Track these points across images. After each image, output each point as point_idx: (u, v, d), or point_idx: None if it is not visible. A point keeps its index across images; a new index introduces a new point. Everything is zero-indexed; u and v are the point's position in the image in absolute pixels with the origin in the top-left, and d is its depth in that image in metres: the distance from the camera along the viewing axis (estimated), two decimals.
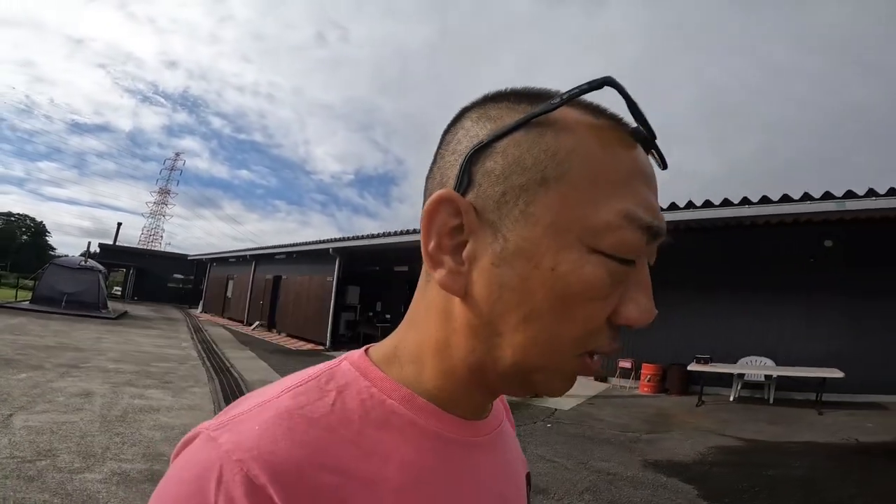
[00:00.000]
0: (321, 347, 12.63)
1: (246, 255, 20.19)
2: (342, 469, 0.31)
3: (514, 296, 0.32)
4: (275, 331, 16.09)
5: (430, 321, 0.37)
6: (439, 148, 0.38)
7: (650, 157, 0.36)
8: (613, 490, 3.65)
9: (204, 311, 23.98)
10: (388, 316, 14.55)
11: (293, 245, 16.36)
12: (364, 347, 0.41)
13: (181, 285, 30.26)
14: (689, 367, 7.51)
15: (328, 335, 12.88)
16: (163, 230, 68.86)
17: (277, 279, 17.01)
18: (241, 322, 18.62)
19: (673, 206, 7.53)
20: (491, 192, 0.33)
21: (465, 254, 0.34)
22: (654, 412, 6.68)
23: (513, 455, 0.45)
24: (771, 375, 7.12)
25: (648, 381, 8.27)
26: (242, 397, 0.36)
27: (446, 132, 0.38)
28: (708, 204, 7.31)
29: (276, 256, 17.78)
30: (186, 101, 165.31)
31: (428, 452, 0.35)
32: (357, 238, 13.02)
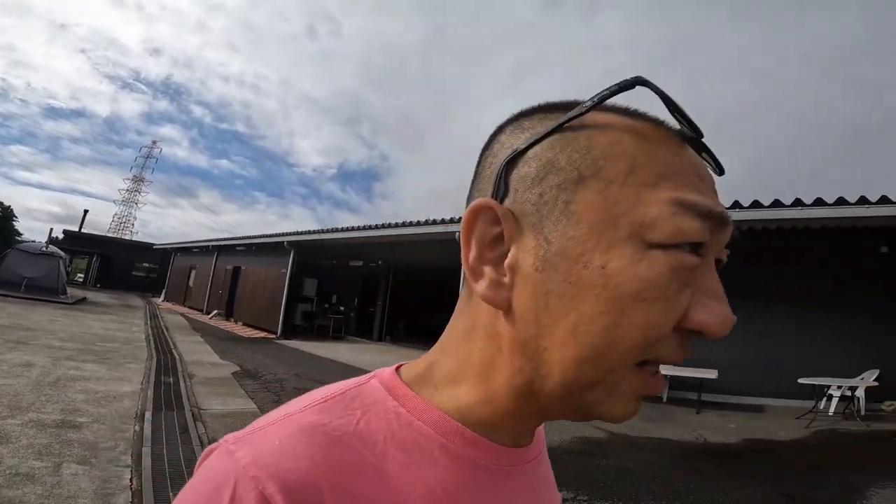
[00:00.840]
0: (272, 336, 13.20)
1: (209, 246, 20.56)
2: (362, 492, 0.29)
3: (562, 303, 0.30)
4: (232, 319, 16.57)
5: (471, 341, 0.35)
6: (477, 167, 0.37)
7: (703, 161, 0.33)
8: None
9: (166, 299, 24.19)
10: (341, 308, 15.19)
11: (253, 237, 16.93)
12: (395, 365, 0.39)
13: (146, 274, 30.29)
14: None
15: (280, 324, 13.45)
16: (135, 218, 67.95)
17: (237, 270, 17.49)
18: (201, 311, 19.00)
19: None
20: (528, 196, 0.32)
21: (507, 262, 0.32)
22: None
23: (549, 486, 0.42)
24: (665, 375, 7.93)
25: None
26: (272, 411, 0.34)
27: (483, 150, 0.37)
28: None
29: (237, 248, 18.26)
30: (168, 89, 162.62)
31: (459, 480, 0.33)
32: (310, 232, 13.63)
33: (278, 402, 5.20)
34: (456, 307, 0.38)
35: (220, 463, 0.29)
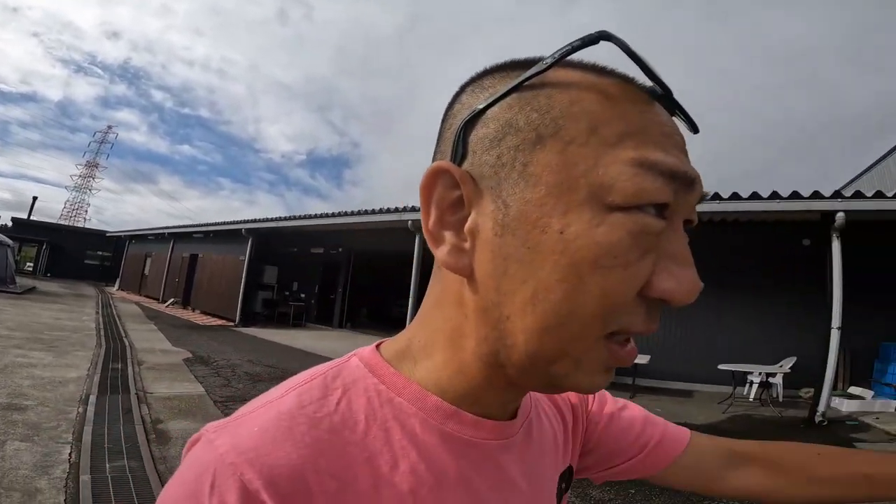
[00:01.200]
0: (231, 324, 13.23)
1: (165, 233, 20.17)
2: (345, 473, 0.29)
3: (521, 268, 0.29)
4: (189, 308, 16.44)
5: (440, 310, 0.34)
6: (440, 128, 0.36)
7: (675, 120, 0.32)
8: None
9: (120, 288, 23.64)
10: (302, 295, 15.29)
11: (210, 224, 16.73)
12: (376, 343, 0.38)
13: (100, 262, 29.41)
14: None
15: (238, 312, 13.49)
16: (88, 205, 65.10)
17: (194, 257, 17.29)
18: (157, 299, 18.73)
19: None
20: (487, 158, 0.31)
21: (467, 227, 0.31)
22: None
23: (545, 454, 0.41)
24: None
25: None
26: (255, 398, 0.33)
27: (446, 111, 0.36)
28: None
29: (195, 235, 18.01)
30: (126, 73, 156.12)
31: (441, 455, 0.32)
32: (268, 220, 13.64)
33: (227, 386, 5.44)
34: (432, 274, 0.37)
35: (200, 453, 0.29)
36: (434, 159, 0.36)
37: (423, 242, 9.40)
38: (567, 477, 0.45)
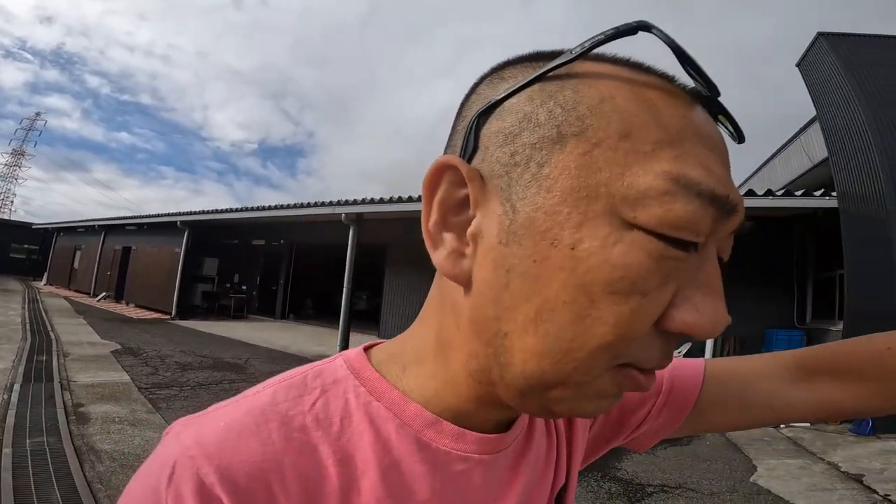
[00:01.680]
0: (167, 317, 13.16)
1: (95, 226, 19.46)
2: (311, 474, 0.29)
3: (525, 283, 0.26)
4: (123, 302, 16.08)
5: (435, 316, 0.32)
6: (454, 121, 0.33)
7: (719, 126, 0.29)
8: None
9: (49, 283, 22.59)
10: (244, 287, 15.30)
11: (144, 216, 16.44)
12: (365, 344, 0.37)
13: (27, 256, 27.83)
14: None
15: (174, 305, 13.41)
16: (14, 195, 60.59)
17: (127, 250, 16.88)
18: (88, 294, 18.12)
19: None
20: (499, 155, 0.28)
21: (469, 230, 0.28)
22: None
23: (535, 472, 0.38)
24: None
25: None
26: (235, 395, 0.32)
27: (462, 103, 0.33)
28: None
29: (127, 227, 17.54)
30: (59, 59, 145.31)
31: (416, 465, 0.31)
32: (204, 213, 13.60)
33: (154, 375, 5.84)
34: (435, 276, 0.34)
35: (167, 444, 0.29)
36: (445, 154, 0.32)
37: (358, 235, 10.01)
38: (563, 494, 0.41)
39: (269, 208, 12.08)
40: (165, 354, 7.54)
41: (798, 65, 7.80)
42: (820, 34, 7.23)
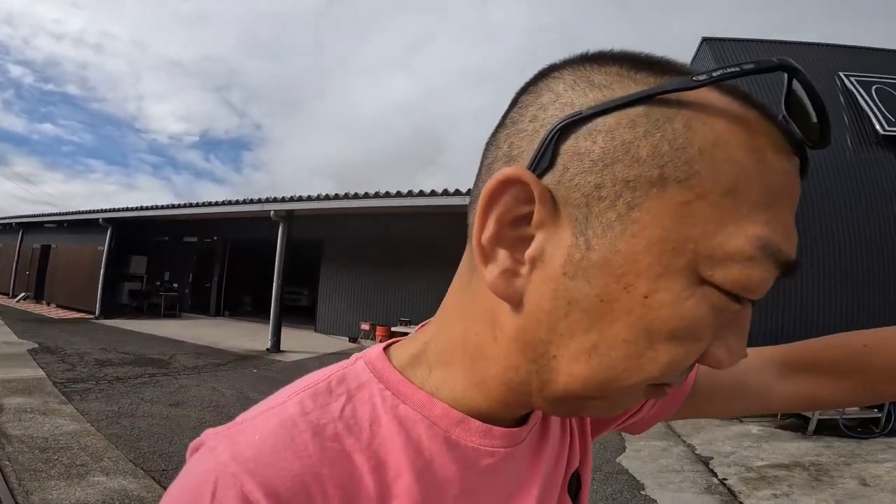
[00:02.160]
0: (90, 316, 12.85)
1: (12, 223, 18.46)
2: (348, 483, 0.29)
3: (586, 318, 0.26)
4: (43, 302, 15.45)
5: (465, 320, 0.32)
6: (510, 110, 0.31)
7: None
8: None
9: None
10: (175, 285, 15.07)
11: (63, 213, 15.84)
12: (385, 343, 0.37)
13: None
14: (393, 328, 10.02)
15: (98, 304, 13.10)
16: None
17: (46, 248, 16.18)
18: (7, 294, 17.21)
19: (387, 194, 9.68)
20: (580, 181, 0.26)
21: (528, 252, 0.27)
22: None
23: (555, 457, 0.39)
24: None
25: (380, 340, 10.47)
26: (258, 403, 0.33)
27: (524, 91, 0.30)
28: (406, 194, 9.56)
29: (46, 225, 16.81)
30: None
31: (447, 464, 0.31)
32: (127, 209, 13.35)
33: (71, 371, 6.08)
34: (458, 271, 0.34)
35: (202, 460, 0.29)
36: (493, 146, 0.31)
37: (288, 232, 10.22)
38: (577, 478, 0.42)
39: (197, 205, 12.05)
40: (84, 352, 7.58)
41: None
42: (704, 39, 8.05)
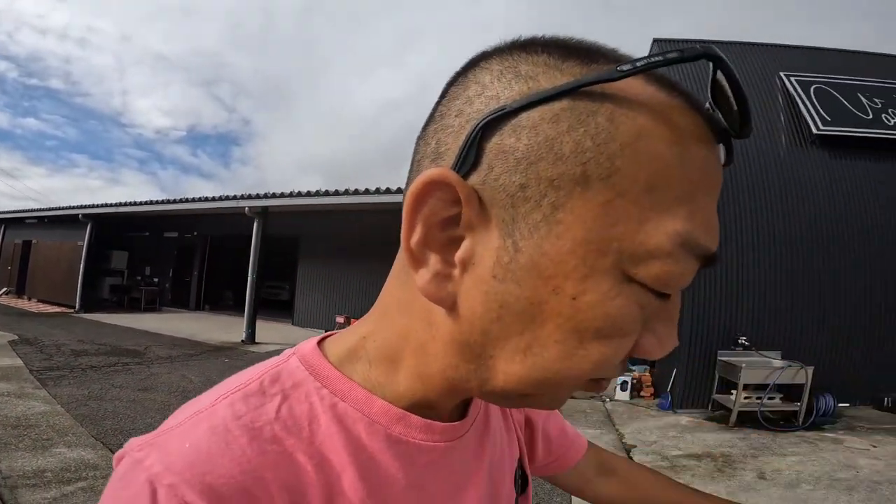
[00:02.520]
0: (70, 311, 13.11)
1: None
2: (294, 483, 0.28)
3: (518, 321, 0.26)
4: (25, 297, 15.67)
5: (403, 317, 0.32)
6: (440, 103, 0.30)
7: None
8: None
9: None
10: (156, 279, 15.34)
11: (44, 209, 16.04)
12: (318, 338, 0.36)
13: None
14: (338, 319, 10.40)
15: (78, 298, 13.37)
16: None
17: (27, 244, 16.38)
18: None
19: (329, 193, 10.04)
20: (505, 181, 0.25)
21: (458, 255, 0.27)
22: None
23: (497, 448, 0.41)
24: None
25: None
26: (182, 407, 0.31)
27: (452, 83, 0.30)
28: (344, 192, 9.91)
29: (27, 220, 16.98)
30: None
31: (389, 460, 0.31)
32: (107, 206, 13.57)
33: (48, 360, 6.55)
34: (394, 264, 0.33)
35: (129, 474, 0.27)
36: (423, 141, 0.30)
37: (263, 228, 10.62)
38: (521, 467, 0.44)
39: (174, 202, 12.34)
40: (62, 343, 7.85)
41: None
42: (655, 40, 8.27)
